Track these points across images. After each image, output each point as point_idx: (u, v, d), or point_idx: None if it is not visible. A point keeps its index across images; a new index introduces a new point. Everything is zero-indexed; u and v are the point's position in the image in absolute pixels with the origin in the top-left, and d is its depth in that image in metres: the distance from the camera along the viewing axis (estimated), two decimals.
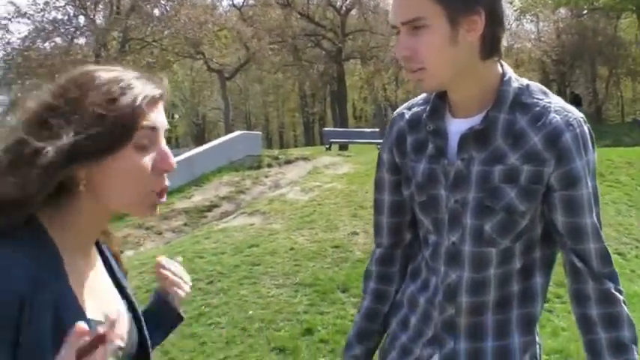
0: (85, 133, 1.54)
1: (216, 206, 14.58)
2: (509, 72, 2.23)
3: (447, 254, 2.29)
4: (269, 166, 18.28)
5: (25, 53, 30.74)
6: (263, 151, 20.30)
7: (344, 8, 43.42)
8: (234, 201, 14.93)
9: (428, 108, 2.33)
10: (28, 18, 31.78)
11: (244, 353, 7.23)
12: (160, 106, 1.71)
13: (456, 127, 2.24)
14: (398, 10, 2.10)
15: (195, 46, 33.46)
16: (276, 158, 19.26)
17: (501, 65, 2.22)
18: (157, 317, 2.20)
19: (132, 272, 9.66)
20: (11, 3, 31.55)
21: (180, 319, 2.31)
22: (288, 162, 18.58)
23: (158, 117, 1.69)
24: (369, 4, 42.83)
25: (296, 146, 61.79)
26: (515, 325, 2.28)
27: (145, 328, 1.94)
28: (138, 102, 1.62)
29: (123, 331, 1.65)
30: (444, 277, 2.29)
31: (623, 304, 2.21)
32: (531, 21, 51.95)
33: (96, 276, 1.76)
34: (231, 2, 42.24)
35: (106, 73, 1.67)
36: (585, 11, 50.21)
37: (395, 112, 2.52)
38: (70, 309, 1.55)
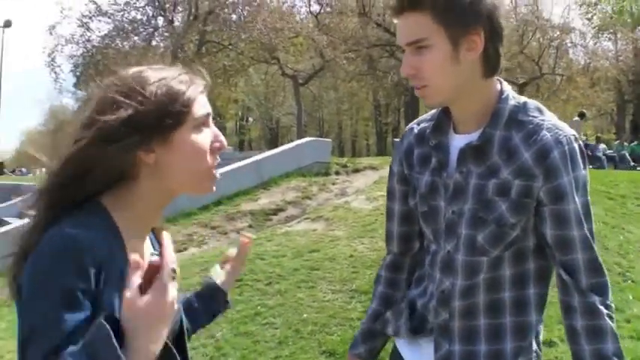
0: (148, 109, 1.77)
1: (281, 210, 14.68)
2: (508, 90, 2.35)
3: (442, 262, 2.42)
4: (337, 173, 18.29)
5: (104, 51, 31.30)
6: (332, 159, 20.32)
7: None
8: (299, 206, 15.01)
9: (432, 124, 2.48)
10: (109, 17, 32.39)
11: (295, 354, 7.31)
12: (206, 95, 1.91)
13: (457, 142, 2.38)
14: (403, 32, 2.23)
15: (270, 52, 33.67)
16: (345, 166, 19.26)
17: (500, 83, 2.35)
18: (206, 301, 2.39)
19: (194, 269, 9.88)
20: (92, 2, 32.14)
21: (227, 305, 2.46)
22: (356, 170, 18.56)
23: (207, 103, 1.91)
24: None
25: (368, 155, 61.66)
26: (509, 331, 2.36)
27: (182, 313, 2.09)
28: (194, 88, 1.86)
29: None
30: (439, 284, 2.43)
31: (607, 318, 2.28)
32: (609, 39, 51.03)
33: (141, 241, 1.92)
34: (307, 10, 42.44)
35: (155, 71, 1.90)
36: None
37: (406, 127, 2.68)
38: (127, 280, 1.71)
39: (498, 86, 2.35)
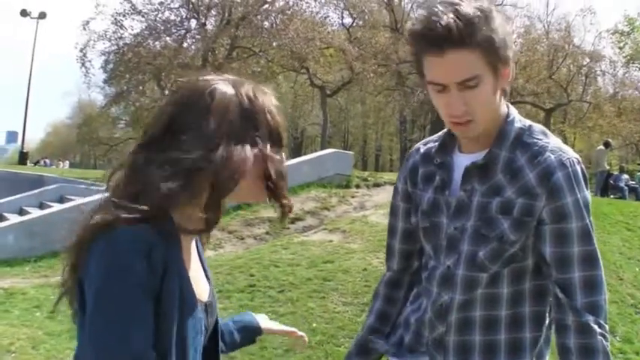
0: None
1: (300, 219, 14.72)
2: (514, 113, 2.41)
3: (441, 277, 2.45)
4: (357, 186, 18.30)
5: (136, 49, 31.53)
6: (353, 172, 20.34)
7: None
8: (317, 216, 15.05)
9: (437, 144, 2.56)
10: (143, 16, 32.64)
11: None
12: None
13: (462, 161, 2.45)
14: (452, 70, 2.19)
15: (300, 61, 33.80)
16: (365, 180, 19.27)
17: (507, 107, 2.41)
18: (243, 337, 2.53)
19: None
20: (127, 0, 32.40)
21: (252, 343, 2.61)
22: (377, 185, 18.56)
23: None
24: None
25: (391, 170, 61.54)
26: (503, 347, 2.39)
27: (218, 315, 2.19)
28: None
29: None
30: (437, 298, 2.45)
31: (600, 337, 2.27)
32: (639, 69, 50.75)
33: (194, 258, 2.05)
34: (340, 22, 42.54)
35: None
36: None
37: (413, 147, 2.75)
38: (185, 278, 1.87)
39: (505, 109, 2.41)
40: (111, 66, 34.07)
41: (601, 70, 47.98)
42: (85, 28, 32.99)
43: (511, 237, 2.31)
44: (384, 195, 16.76)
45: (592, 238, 2.32)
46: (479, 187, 2.37)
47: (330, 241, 12.18)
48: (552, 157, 2.29)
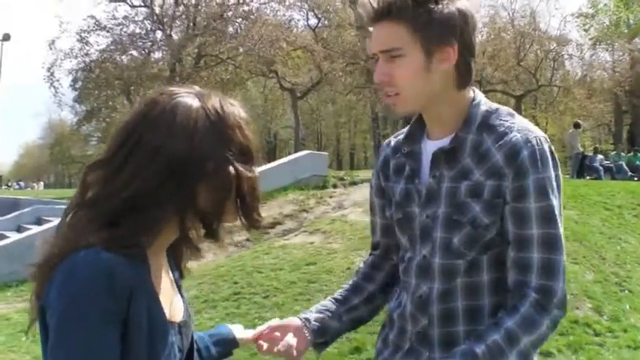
0: None
1: (279, 223, 14.71)
2: (480, 96, 2.40)
3: (417, 267, 2.41)
4: (334, 186, 18.33)
5: (103, 65, 31.39)
6: (329, 172, 20.36)
7: None
8: (297, 219, 15.04)
9: (405, 133, 2.54)
10: (107, 31, 32.46)
11: None
12: None
13: (430, 148, 2.43)
14: (378, 40, 2.29)
15: (268, 65, 33.76)
16: (342, 179, 19.31)
17: (473, 91, 2.40)
18: (219, 350, 2.47)
19: (191, 282, 9.90)
20: (91, 16, 32.25)
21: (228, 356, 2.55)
22: (354, 183, 18.60)
23: None
24: None
25: (366, 168, 61.57)
26: None
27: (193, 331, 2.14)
28: None
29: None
30: (415, 289, 2.42)
31: (544, 317, 2.20)
32: (606, 50, 51.16)
33: (165, 277, 1.97)
34: (306, 23, 42.53)
35: None
36: None
37: (385, 141, 2.73)
38: (155, 301, 1.80)
39: (471, 94, 2.40)
40: (79, 84, 33.89)
41: (568, 54, 48.34)
42: (51, 48, 32.74)
43: (484, 220, 2.27)
44: (362, 193, 16.77)
45: (554, 221, 2.26)
46: (447, 173, 2.35)
47: (312, 242, 12.17)
48: (518, 135, 2.27)
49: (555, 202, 2.27)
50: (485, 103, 2.39)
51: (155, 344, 1.77)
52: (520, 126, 2.31)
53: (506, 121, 2.34)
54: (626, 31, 48.46)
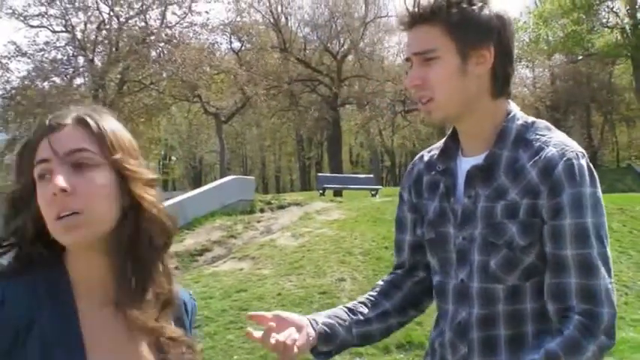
0: None
1: (207, 250, 14.61)
2: (515, 110, 2.30)
3: (455, 292, 2.31)
4: (261, 211, 18.32)
5: (24, 92, 30.86)
6: (256, 196, 20.32)
7: (340, 54, 43.77)
8: (225, 245, 14.96)
9: (439, 149, 2.43)
10: (29, 57, 31.93)
11: None
12: (50, 138, 1.70)
13: (465, 165, 2.32)
14: (411, 43, 2.23)
15: (192, 89, 33.55)
16: (269, 203, 19.31)
17: (509, 104, 2.31)
18: None
19: None
20: (12, 42, 31.67)
21: None
22: (281, 207, 18.60)
23: (46, 148, 1.70)
24: (365, 50, 43.33)
25: (292, 190, 61.65)
26: None
27: None
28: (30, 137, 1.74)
29: None
30: (454, 315, 2.31)
31: (590, 343, 2.05)
32: (527, 67, 52.16)
33: (119, 320, 1.75)
34: (229, 46, 42.49)
35: None
36: (580, 57, 50.37)
37: (417, 155, 2.61)
38: (68, 353, 1.63)
39: (507, 106, 2.32)
40: (0, 111, 33.26)
41: None
42: None
43: (520, 242, 2.15)
44: (289, 216, 16.79)
45: (589, 240, 2.10)
46: (482, 192, 2.24)
47: (241, 269, 12.11)
48: (554, 150, 2.16)
49: (591, 220, 2.12)
50: (521, 117, 2.29)
51: None
52: (557, 140, 2.20)
53: (543, 135, 2.23)
54: (545, 47, 49.53)
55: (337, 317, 2.42)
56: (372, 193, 27.33)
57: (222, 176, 29.42)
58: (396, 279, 2.61)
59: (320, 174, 34.74)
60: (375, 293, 2.57)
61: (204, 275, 12.02)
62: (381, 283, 2.62)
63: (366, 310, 2.50)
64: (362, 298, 2.56)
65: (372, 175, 34.64)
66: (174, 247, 11.85)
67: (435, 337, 2.43)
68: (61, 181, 1.61)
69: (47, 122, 1.72)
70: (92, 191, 1.66)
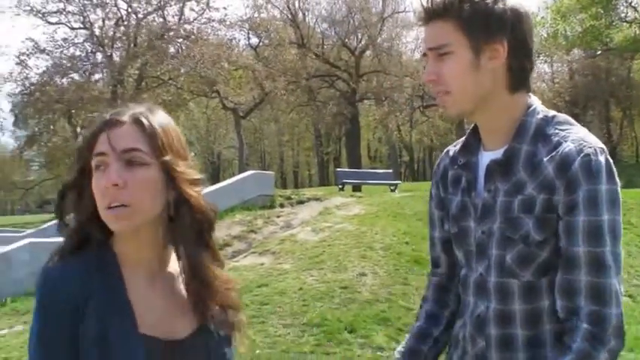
0: None
1: (227, 245, 14.61)
2: (536, 103, 2.29)
3: (475, 285, 2.33)
4: (281, 206, 18.33)
5: (43, 89, 31.01)
6: (276, 191, 20.34)
7: (358, 49, 43.77)
8: (245, 240, 14.97)
9: (462, 144, 2.44)
10: (47, 54, 32.13)
11: None
12: (109, 133, 1.88)
13: (485, 159, 2.32)
14: (427, 38, 2.25)
15: (210, 85, 33.66)
16: (289, 198, 19.31)
17: (529, 97, 2.30)
18: None
19: None
20: (30, 39, 31.88)
21: None
22: (301, 202, 18.64)
23: (104, 142, 1.88)
24: (383, 46, 43.25)
25: (310, 186, 61.73)
26: None
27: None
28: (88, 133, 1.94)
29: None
30: (474, 308, 2.33)
31: (601, 351, 2.03)
32: (545, 62, 51.89)
33: (163, 289, 1.97)
34: (247, 42, 42.53)
35: None
36: (599, 52, 50.30)
37: (444, 151, 2.61)
38: (121, 320, 1.83)
39: (527, 100, 2.30)
40: (19, 108, 33.47)
41: None
42: None
43: (536, 237, 2.14)
44: (309, 211, 16.77)
45: (603, 238, 2.08)
46: (501, 186, 2.24)
47: (262, 264, 12.12)
48: (572, 145, 2.13)
49: (606, 217, 2.09)
50: (541, 111, 2.28)
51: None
52: (575, 136, 2.17)
53: (563, 130, 2.21)
54: (563, 42, 49.30)
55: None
56: (391, 188, 27.21)
57: (240, 172, 29.45)
58: (442, 282, 2.61)
59: (339, 169, 34.60)
60: (430, 307, 2.61)
61: (225, 270, 12.01)
62: (428, 292, 2.64)
63: (432, 329, 2.56)
64: (421, 322, 2.59)
65: (391, 170, 34.46)
66: None
67: (458, 328, 2.45)
68: (114, 176, 1.81)
69: (107, 117, 1.91)
70: (140, 187, 1.85)
